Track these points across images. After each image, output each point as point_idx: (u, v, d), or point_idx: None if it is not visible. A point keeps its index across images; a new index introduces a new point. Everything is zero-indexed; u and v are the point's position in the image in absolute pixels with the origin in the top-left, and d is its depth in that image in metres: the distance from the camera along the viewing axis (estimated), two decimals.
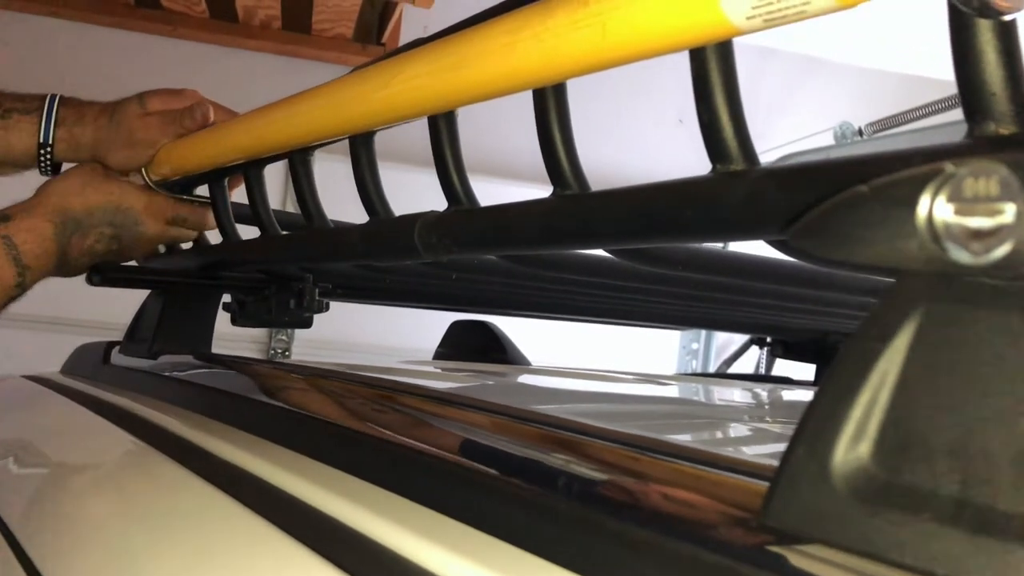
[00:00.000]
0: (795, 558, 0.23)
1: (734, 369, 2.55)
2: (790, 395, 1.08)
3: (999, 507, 0.19)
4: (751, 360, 2.59)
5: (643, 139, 3.07)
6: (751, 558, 0.23)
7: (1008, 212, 0.16)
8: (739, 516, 0.25)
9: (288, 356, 2.72)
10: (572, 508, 0.29)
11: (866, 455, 0.22)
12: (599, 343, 2.74)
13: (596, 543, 0.28)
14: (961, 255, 0.16)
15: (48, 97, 0.82)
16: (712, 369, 2.96)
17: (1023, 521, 0.19)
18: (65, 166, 0.85)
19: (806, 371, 1.48)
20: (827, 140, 2.64)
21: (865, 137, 2.43)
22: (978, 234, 0.16)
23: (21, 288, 0.75)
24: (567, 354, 2.31)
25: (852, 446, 0.22)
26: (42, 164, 0.83)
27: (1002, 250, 0.16)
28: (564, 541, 0.29)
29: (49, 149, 0.82)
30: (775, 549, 0.23)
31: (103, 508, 0.46)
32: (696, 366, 3.08)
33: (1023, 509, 0.19)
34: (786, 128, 2.89)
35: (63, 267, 0.79)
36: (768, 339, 1.51)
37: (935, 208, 0.16)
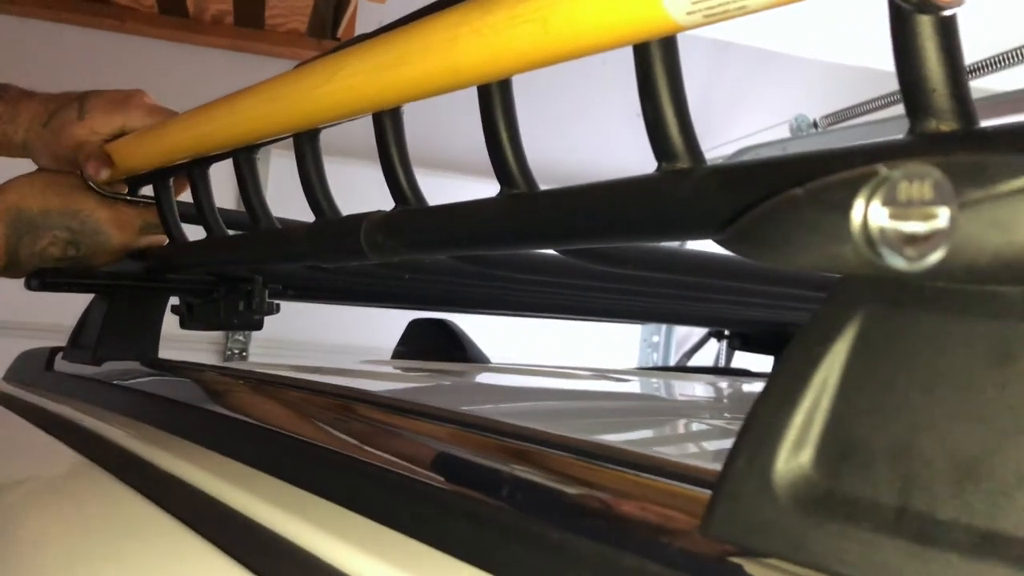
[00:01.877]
0: (737, 570, 0.22)
1: (694, 362, 2.56)
2: (747, 388, 1.08)
3: (938, 516, 0.19)
4: (711, 352, 2.61)
5: (599, 134, 3.07)
6: (693, 570, 0.23)
7: (942, 217, 0.15)
8: (682, 527, 0.24)
9: (245, 356, 2.68)
10: (509, 516, 0.29)
11: (808, 463, 0.21)
12: (560, 337, 2.74)
13: (531, 552, 0.27)
14: (896, 261, 0.15)
15: None
16: (673, 362, 2.98)
17: (962, 530, 0.18)
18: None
19: (767, 363, 1.49)
20: (783, 133, 2.66)
21: (820, 129, 2.45)
22: (912, 239, 0.15)
23: None
24: (528, 350, 2.30)
25: (793, 454, 0.21)
26: None
27: (936, 256, 0.15)
28: (500, 550, 0.28)
29: None
30: (717, 561, 0.23)
31: (32, 525, 0.44)
32: (657, 359, 3.10)
33: (962, 518, 0.19)
34: (743, 121, 2.91)
35: (12, 267, 0.76)
36: (726, 332, 1.52)
37: (870, 212, 0.15)
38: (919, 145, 0.26)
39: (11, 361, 0.95)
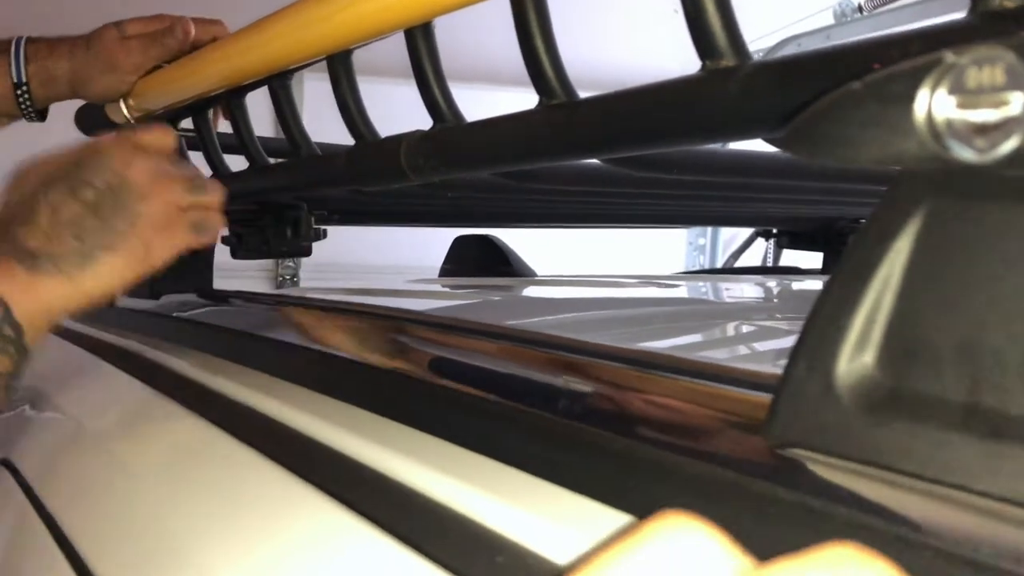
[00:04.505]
0: (801, 472, 0.22)
1: (742, 262, 2.54)
2: (799, 287, 1.07)
3: (1010, 411, 0.19)
4: (759, 252, 2.58)
5: (636, 34, 2.97)
6: (755, 473, 0.23)
7: (1015, 103, 0.14)
8: (743, 431, 0.24)
9: (296, 282, 2.73)
10: (575, 429, 0.29)
11: (871, 364, 0.21)
12: (605, 245, 2.73)
13: (601, 463, 0.27)
14: (964, 152, 0.15)
15: (14, 39, 0.80)
16: (720, 263, 2.95)
17: None
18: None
19: (816, 260, 1.47)
20: (827, 19, 2.55)
21: (865, 13, 2.35)
22: (982, 129, 0.15)
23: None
24: (573, 260, 2.30)
25: (855, 355, 0.21)
26: (22, 106, 0.81)
27: (1008, 145, 0.14)
28: (571, 463, 0.28)
29: (25, 88, 0.79)
30: (780, 463, 0.23)
31: (109, 454, 0.46)
32: (704, 261, 3.08)
33: None
34: (784, 9, 2.79)
35: None
36: (774, 230, 1.49)
37: (934, 103, 0.15)
38: (982, 25, 0.24)
39: None
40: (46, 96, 0.81)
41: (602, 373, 0.32)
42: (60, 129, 0.87)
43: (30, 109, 0.81)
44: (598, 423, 0.28)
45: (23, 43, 0.79)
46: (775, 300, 0.91)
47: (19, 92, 0.79)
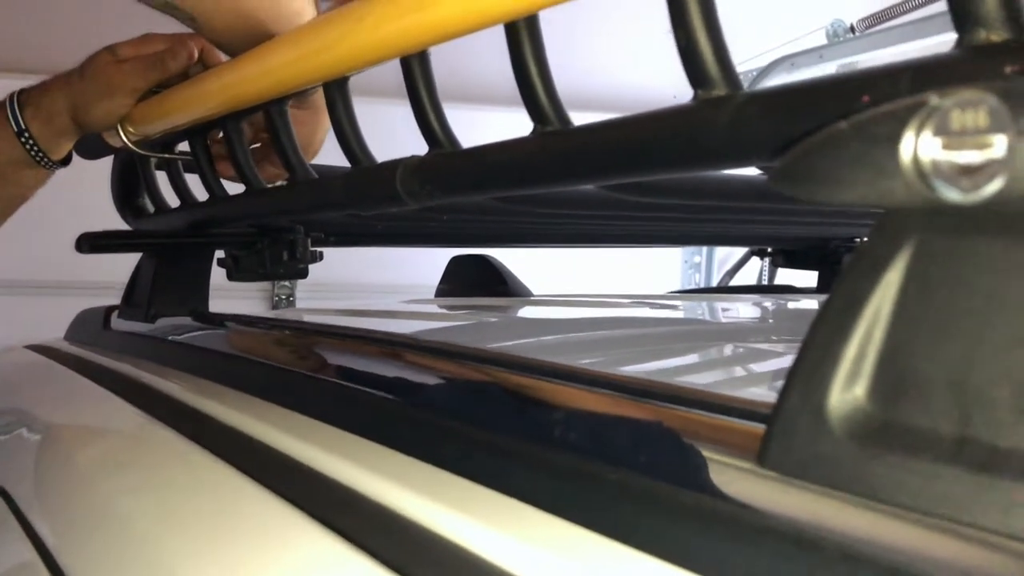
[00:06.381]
0: (795, 503, 0.22)
1: (736, 280, 2.54)
2: (794, 307, 1.07)
3: (1000, 444, 0.19)
4: (754, 270, 2.59)
5: (628, 57, 2.99)
6: (748, 503, 0.23)
7: (998, 145, 0.15)
8: (736, 461, 0.25)
9: (292, 302, 2.73)
10: (566, 458, 0.29)
11: (862, 396, 0.21)
12: (601, 262, 2.74)
13: (594, 492, 0.27)
14: (950, 193, 0.15)
15: (7, 96, 0.80)
16: (715, 281, 2.96)
17: None
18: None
19: (811, 278, 1.48)
20: (820, 39, 2.57)
21: (858, 34, 2.37)
22: (967, 170, 0.15)
23: None
24: (569, 278, 2.30)
25: (847, 387, 0.21)
26: (32, 153, 0.80)
27: (993, 186, 0.15)
28: (562, 492, 0.28)
29: (28, 135, 0.79)
30: (774, 494, 0.23)
31: (104, 482, 0.46)
32: (699, 280, 3.08)
33: None
34: (778, 29, 2.81)
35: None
36: (769, 249, 1.50)
37: (920, 145, 0.15)
38: (969, 59, 0.25)
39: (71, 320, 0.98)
40: (51, 136, 0.79)
41: (595, 402, 0.32)
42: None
43: (41, 155, 0.79)
44: (591, 452, 0.28)
45: (16, 94, 0.79)
46: (770, 321, 0.91)
47: (23, 140, 0.78)
